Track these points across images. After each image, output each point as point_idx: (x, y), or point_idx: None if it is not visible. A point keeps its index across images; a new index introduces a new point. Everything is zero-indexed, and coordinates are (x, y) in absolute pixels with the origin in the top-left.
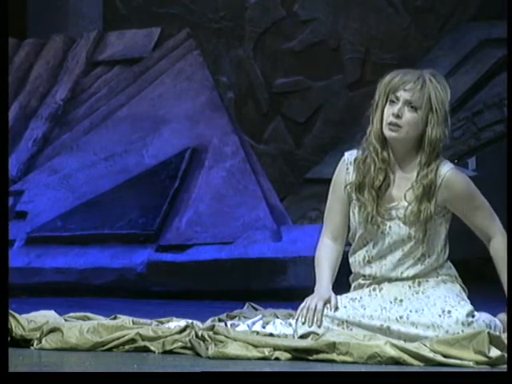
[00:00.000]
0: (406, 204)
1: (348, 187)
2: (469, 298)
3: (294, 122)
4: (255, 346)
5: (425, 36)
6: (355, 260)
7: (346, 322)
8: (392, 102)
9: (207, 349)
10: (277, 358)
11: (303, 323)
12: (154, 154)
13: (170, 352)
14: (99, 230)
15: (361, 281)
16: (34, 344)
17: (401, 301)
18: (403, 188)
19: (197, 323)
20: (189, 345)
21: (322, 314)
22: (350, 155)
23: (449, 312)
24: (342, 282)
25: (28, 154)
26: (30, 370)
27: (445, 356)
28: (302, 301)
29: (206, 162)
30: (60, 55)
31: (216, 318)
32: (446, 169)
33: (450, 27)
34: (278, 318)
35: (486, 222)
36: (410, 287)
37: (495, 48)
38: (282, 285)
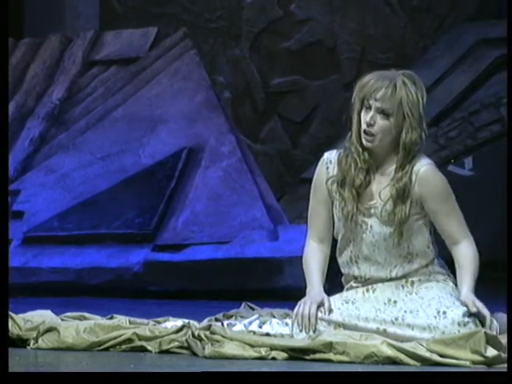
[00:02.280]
0: (382, 203)
1: (329, 182)
2: None
3: (291, 122)
4: (252, 346)
5: (421, 36)
6: (343, 261)
7: (343, 325)
8: (366, 107)
9: (204, 348)
10: (273, 358)
11: (300, 330)
12: (151, 153)
13: (167, 352)
14: (96, 230)
15: (353, 283)
16: (31, 344)
17: (395, 302)
18: (382, 186)
19: (193, 323)
20: (185, 344)
21: (315, 318)
22: (329, 154)
23: (444, 313)
24: (336, 283)
25: (24, 153)
26: (26, 369)
27: (441, 356)
28: (299, 300)
29: (202, 161)
30: (56, 55)
31: (213, 317)
32: (422, 164)
33: (447, 27)
34: (274, 317)
35: (456, 228)
36: (403, 287)
37: (492, 48)
38: (279, 284)
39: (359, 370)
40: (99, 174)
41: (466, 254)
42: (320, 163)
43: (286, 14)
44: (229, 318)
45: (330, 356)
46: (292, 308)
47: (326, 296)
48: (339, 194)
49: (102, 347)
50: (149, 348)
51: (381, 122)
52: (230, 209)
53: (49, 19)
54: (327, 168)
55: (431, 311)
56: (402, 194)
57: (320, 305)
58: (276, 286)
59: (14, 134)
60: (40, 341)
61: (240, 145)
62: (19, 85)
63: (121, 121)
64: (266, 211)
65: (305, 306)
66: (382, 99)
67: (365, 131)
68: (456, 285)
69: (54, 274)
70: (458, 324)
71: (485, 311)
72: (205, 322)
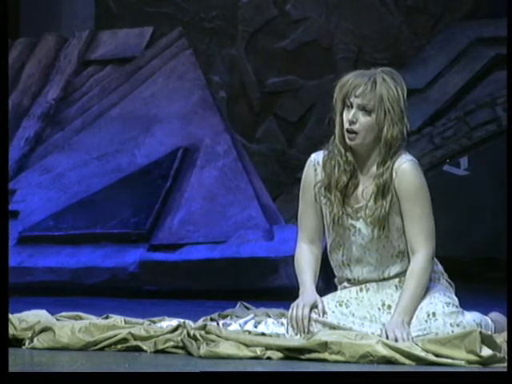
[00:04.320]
0: (366, 202)
1: (317, 187)
2: (458, 297)
3: (287, 122)
4: (247, 346)
5: (417, 35)
6: (335, 265)
7: (338, 327)
8: (347, 106)
9: (199, 348)
10: (269, 358)
11: (296, 334)
12: (146, 153)
13: (162, 351)
14: (91, 230)
15: (346, 284)
16: (26, 343)
17: (389, 307)
18: (366, 186)
19: (189, 322)
20: (181, 344)
21: (308, 320)
22: (316, 156)
23: (433, 314)
24: (331, 283)
25: (20, 153)
26: (21, 369)
27: (436, 355)
28: (294, 300)
29: (198, 161)
30: (52, 54)
31: (208, 317)
32: (403, 160)
33: (442, 26)
34: (269, 317)
35: (416, 235)
36: (396, 287)
37: (487, 47)
38: (274, 284)
39: (354, 370)
40: (95, 174)
41: (411, 271)
42: (307, 165)
43: (282, 14)
44: (224, 317)
45: (326, 356)
46: (287, 307)
47: (318, 297)
48: (326, 197)
49: (97, 347)
50: (144, 348)
51: (363, 118)
52: (226, 208)
53: (44, 19)
54: (315, 170)
55: (422, 315)
56: (382, 190)
57: (313, 306)
58: (271, 285)
59: (10, 133)
60: (35, 340)
61: (235, 144)
62: (15, 84)
63: (116, 120)
64: (261, 211)
65: (298, 309)
66: (362, 95)
67: (347, 130)
68: (450, 283)
69: (50, 273)
70: (451, 325)
71: (401, 340)
72: (200, 322)
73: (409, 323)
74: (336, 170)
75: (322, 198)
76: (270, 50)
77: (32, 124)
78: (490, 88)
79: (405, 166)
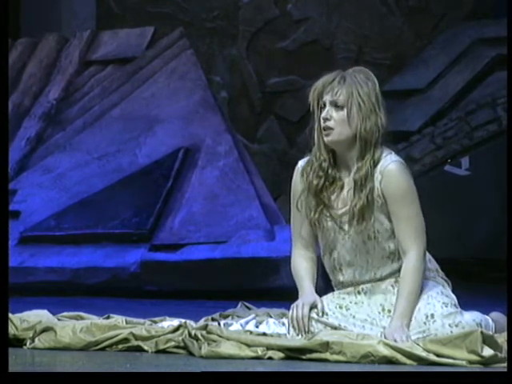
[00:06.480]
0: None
1: (302, 195)
2: (457, 297)
3: (288, 122)
4: (248, 346)
5: (418, 35)
6: (328, 269)
7: (339, 328)
8: (322, 108)
9: (200, 348)
10: (270, 358)
11: (297, 334)
12: (148, 153)
13: (163, 351)
14: (92, 230)
15: (341, 286)
16: (27, 343)
17: (389, 311)
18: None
19: (190, 322)
20: (182, 344)
21: (308, 319)
22: (302, 162)
23: (432, 316)
24: (330, 284)
25: (21, 153)
26: (22, 369)
27: (438, 355)
28: (295, 300)
29: (199, 161)
30: (53, 54)
31: (209, 317)
32: (387, 161)
33: (443, 27)
34: (271, 317)
35: (405, 235)
36: (392, 287)
37: (488, 47)
38: (275, 284)
39: (356, 370)
40: (96, 174)
41: (405, 272)
42: (295, 173)
43: (283, 14)
44: (225, 317)
45: (327, 356)
46: (288, 307)
47: (318, 297)
48: (307, 203)
49: (98, 347)
50: (145, 348)
51: (335, 114)
52: (227, 208)
53: (45, 19)
54: (302, 176)
55: (420, 317)
56: (359, 184)
57: (313, 306)
58: (272, 285)
59: (11, 133)
60: (36, 340)
61: (237, 144)
62: (16, 84)
63: (117, 120)
64: (262, 211)
65: (297, 309)
66: (332, 90)
67: (323, 127)
68: (446, 281)
69: (51, 273)
70: (450, 325)
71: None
72: (201, 322)
73: (408, 325)
74: (311, 175)
75: (307, 204)
76: (271, 50)
77: (33, 124)
78: (490, 88)
79: (390, 168)
